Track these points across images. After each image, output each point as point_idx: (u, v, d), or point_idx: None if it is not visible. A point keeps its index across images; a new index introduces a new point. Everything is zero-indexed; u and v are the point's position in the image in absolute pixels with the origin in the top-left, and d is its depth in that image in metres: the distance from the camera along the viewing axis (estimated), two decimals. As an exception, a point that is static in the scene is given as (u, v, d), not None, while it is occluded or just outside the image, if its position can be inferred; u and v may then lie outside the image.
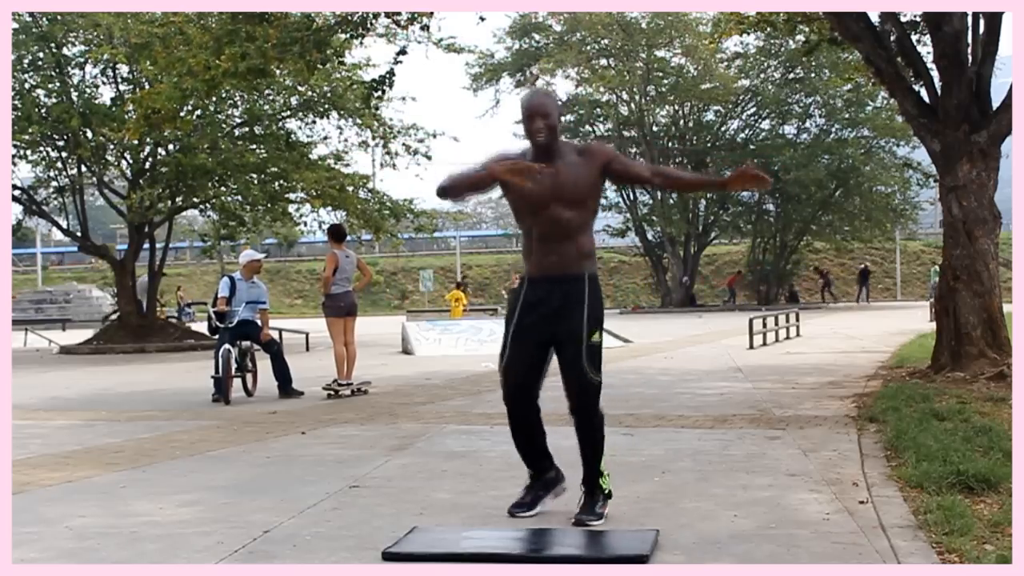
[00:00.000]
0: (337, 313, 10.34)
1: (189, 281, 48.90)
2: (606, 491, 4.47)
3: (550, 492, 4.58)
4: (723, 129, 42.25)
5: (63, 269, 57.25)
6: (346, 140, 21.98)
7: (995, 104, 9.82)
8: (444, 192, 4.42)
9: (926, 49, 10.95)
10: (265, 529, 4.35)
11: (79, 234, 22.36)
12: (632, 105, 40.62)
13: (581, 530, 4.25)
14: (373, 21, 11.86)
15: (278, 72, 13.06)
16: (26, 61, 19.78)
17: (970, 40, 9.94)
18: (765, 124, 42.07)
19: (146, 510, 4.83)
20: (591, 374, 4.30)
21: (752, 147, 40.78)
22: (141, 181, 20.95)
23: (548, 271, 4.37)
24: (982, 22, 9.90)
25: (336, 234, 10.76)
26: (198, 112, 18.27)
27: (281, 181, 20.98)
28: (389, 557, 3.85)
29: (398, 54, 12.51)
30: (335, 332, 10.36)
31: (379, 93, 12.89)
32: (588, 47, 38.57)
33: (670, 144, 42.23)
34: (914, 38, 11.39)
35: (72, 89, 20.33)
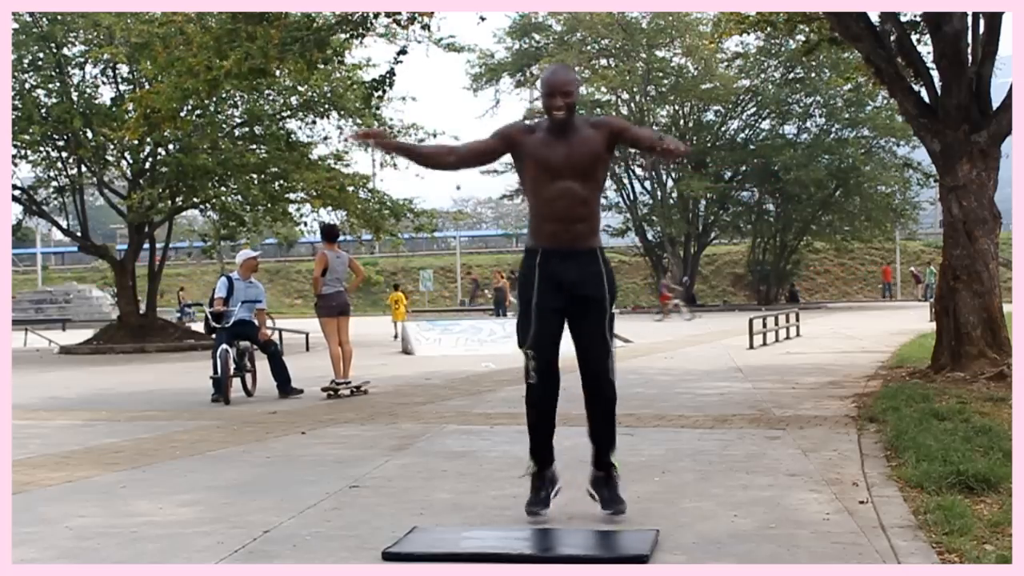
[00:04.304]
0: (329, 313, 10.35)
1: (189, 281, 48.88)
2: (619, 471, 4.52)
3: (553, 488, 4.55)
4: (723, 129, 42.20)
5: (63, 269, 57.22)
6: (346, 140, 22.00)
7: (995, 104, 9.82)
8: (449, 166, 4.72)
9: (926, 49, 10.94)
10: (265, 529, 4.35)
11: (79, 234, 22.36)
12: (632, 105, 40.56)
13: (581, 530, 4.26)
14: (373, 21, 11.86)
15: (278, 72, 13.06)
16: (26, 61, 19.78)
17: (970, 40, 9.94)
18: (765, 124, 42.00)
19: (146, 510, 4.83)
20: (611, 343, 4.45)
21: (752, 147, 40.76)
22: (141, 181, 20.95)
23: (565, 244, 4.41)
24: (982, 22, 9.89)
25: (327, 234, 10.78)
26: (198, 112, 18.27)
27: (281, 181, 20.99)
28: (389, 557, 3.85)
29: (398, 54, 12.50)
30: (329, 332, 10.38)
31: (380, 93, 12.89)
32: (588, 47, 38.54)
33: (670, 144, 42.16)
34: (914, 38, 11.37)
35: (72, 89, 20.32)
